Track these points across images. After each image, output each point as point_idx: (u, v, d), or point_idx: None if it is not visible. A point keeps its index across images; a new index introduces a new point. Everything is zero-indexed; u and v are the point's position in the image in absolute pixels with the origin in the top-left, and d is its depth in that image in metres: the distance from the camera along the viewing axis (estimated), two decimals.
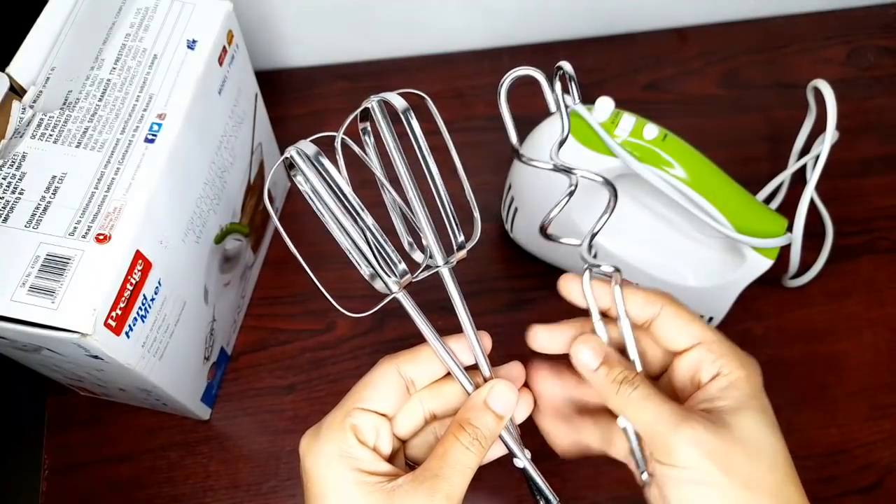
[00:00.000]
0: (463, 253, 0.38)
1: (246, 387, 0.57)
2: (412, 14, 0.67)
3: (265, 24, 0.66)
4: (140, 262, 0.41)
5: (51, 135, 0.42)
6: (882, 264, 0.62)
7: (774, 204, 0.62)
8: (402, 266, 0.36)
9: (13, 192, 0.41)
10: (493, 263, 0.61)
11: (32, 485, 0.53)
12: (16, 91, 0.42)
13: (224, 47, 0.47)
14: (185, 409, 0.52)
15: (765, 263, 0.51)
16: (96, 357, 0.41)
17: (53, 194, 0.41)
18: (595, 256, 0.36)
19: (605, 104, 0.49)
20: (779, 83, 0.70)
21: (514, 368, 0.39)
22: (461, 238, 0.37)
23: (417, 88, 0.68)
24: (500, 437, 0.37)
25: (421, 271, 0.37)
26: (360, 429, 0.35)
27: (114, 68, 0.45)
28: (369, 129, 0.38)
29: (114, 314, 0.39)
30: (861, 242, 0.63)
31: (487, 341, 0.38)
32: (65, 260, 0.39)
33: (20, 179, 0.41)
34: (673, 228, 0.55)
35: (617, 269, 0.36)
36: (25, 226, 0.40)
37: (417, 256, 0.38)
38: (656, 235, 0.55)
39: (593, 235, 0.37)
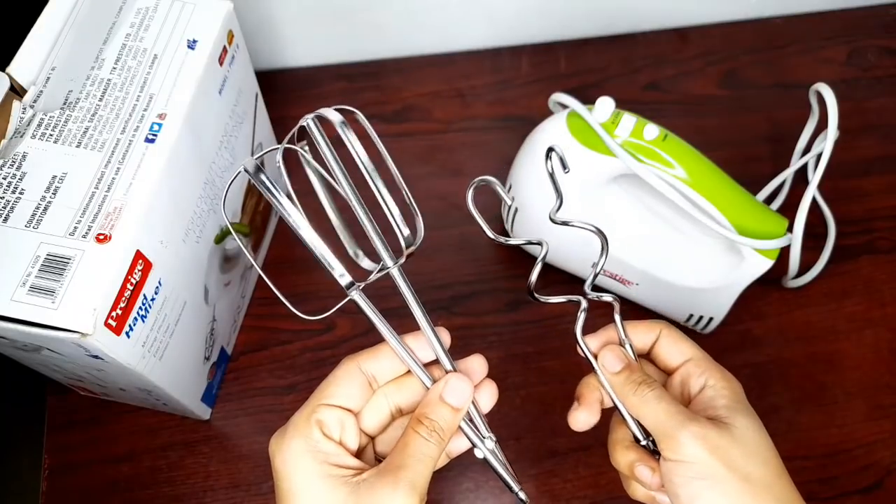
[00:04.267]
0: (412, 249, 0.38)
1: (246, 387, 0.57)
2: (412, 14, 0.67)
3: (265, 24, 0.66)
4: (140, 262, 0.41)
5: (51, 135, 0.42)
6: (882, 264, 0.62)
7: (776, 204, 0.62)
8: (367, 262, 0.37)
9: (13, 192, 0.41)
10: (493, 263, 0.61)
11: (32, 485, 0.53)
12: (16, 91, 0.42)
13: (224, 47, 0.48)
14: (185, 409, 0.52)
15: (765, 264, 0.51)
16: (96, 357, 0.41)
17: (54, 194, 0.41)
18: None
19: (605, 104, 0.49)
20: (779, 83, 0.70)
21: (475, 361, 0.39)
22: (407, 233, 0.38)
23: (417, 88, 0.68)
24: (461, 428, 0.38)
25: (377, 273, 0.38)
26: (326, 423, 0.36)
27: (114, 68, 0.45)
28: (307, 146, 0.39)
29: (114, 314, 0.39)
30: (861, 242, 0.63)
31: (446, 336, 0.39)
32: (65, 260, 0.39)
33: (20, 179, 0.41)
34: (673, 228, 0.55)
35: (617, 298, 0.40)
36: (26, 226, 0.40)
37: (366, 264, 0.39)
38: (656, 235, 0.55)
39: (595, 276, 0.40)
